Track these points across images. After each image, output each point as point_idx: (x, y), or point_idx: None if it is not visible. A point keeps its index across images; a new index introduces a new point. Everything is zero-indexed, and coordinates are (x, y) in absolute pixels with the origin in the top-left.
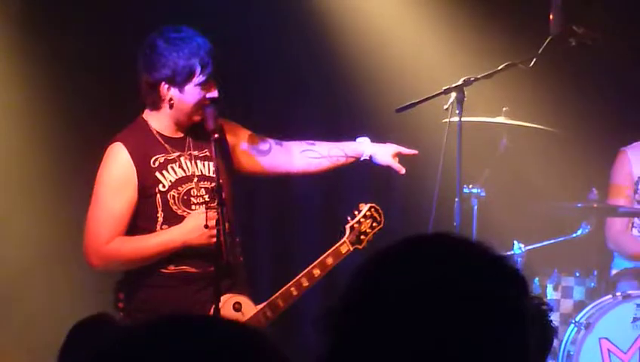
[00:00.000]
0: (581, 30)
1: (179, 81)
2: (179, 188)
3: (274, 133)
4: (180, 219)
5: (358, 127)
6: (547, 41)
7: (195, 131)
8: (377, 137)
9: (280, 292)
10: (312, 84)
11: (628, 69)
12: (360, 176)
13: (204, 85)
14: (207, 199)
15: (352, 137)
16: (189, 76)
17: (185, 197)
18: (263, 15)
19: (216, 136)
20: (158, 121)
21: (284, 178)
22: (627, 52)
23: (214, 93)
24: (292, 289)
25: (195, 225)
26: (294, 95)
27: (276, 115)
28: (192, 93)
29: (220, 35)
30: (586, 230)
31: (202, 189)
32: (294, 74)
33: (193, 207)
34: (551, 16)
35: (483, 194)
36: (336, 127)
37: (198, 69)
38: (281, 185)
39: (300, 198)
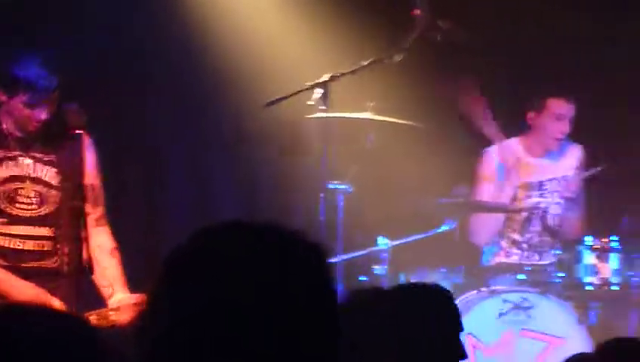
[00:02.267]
0: (446, 26)
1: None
2: (6, 185)
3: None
4: (3, 213)
5: (226, 122)
6: (413, 37)
7: (49, 133)
8: (245, 136)
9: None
10: (178, 81)
11: (493, 63)
12: (228, 176)
13: (29, 105)
14: (34, 202)
15: (220, 134)
16: (11, 90)
17: (11, 195)
18: (128, 13)
19: (76, 132)
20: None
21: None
22: (491, 48)
23: (40, 115)
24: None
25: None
26: (159, 94)
27: (143, 115)
28: (15, 107)
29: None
30: (452, 225)
31: (32, 192)
32: (160, 73)
33: (18, 205)
34: (417, 12)
35: (350, 189)
36: (205, 123)
37: (24, 87)
38: (152, 180)
39: (170, 201)
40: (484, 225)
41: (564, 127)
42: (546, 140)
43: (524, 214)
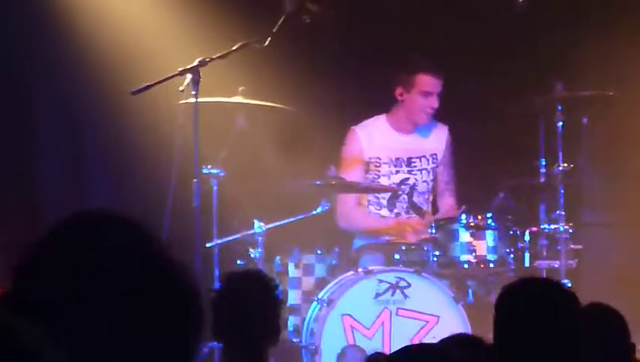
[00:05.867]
0: (315, 7)
1: None
2: None
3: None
4: None
5: (95, 110)
6: (282, 20)
7: None
8: (114, 120)
9: None
10: (49, 69)
11: (361, 40)
12: (102, 166)
13: None
14: None
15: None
16: None
17: None
18: None
19: None
20: None
21: None
22: (357, 25)
23: None
24: None
25: None
26: (29, 85)
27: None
28: None
29: None
30: (326, 207)
31: None
32: (27, 61)
33: None
34: None
35: (222, 174)
36: (72, 113)
37: None
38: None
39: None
40: (351, 206)
41: (433, 103)
42: (415, 116)
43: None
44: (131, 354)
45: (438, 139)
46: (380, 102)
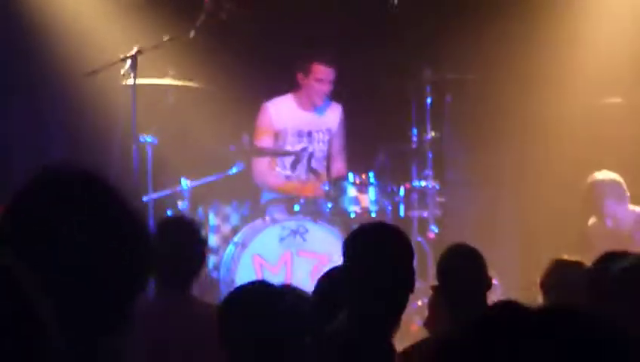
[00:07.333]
0: (228, 5)
1: None
2: None
3: None
4: None
5: (52, 90)
6: (202, 17)
7: None
8: (70, 98)
9: None
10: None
11: (272, 38)
12: (61, 130)
13: None
14: None
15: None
16: None
17: None
18: None
19: None
20: None
21: None
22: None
23: None
24: None
25: None
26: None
27: None
28: None
29: None
30: (240, 168)
31: None
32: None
33: None
34: None
35: (156, 142)
36: (35, 87)
37: None
38: None
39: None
40: (264, 169)
41: (325, 88)
42: (312, 98)
43: (294, 156)
44: (94, 283)
45: (333, 116)
46: (288, 83)
